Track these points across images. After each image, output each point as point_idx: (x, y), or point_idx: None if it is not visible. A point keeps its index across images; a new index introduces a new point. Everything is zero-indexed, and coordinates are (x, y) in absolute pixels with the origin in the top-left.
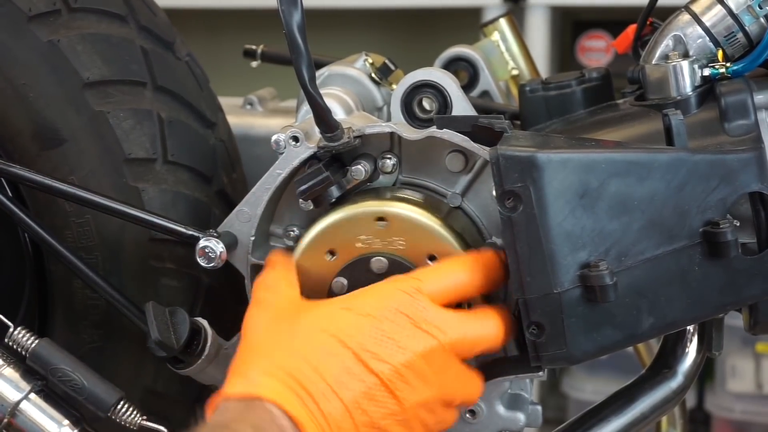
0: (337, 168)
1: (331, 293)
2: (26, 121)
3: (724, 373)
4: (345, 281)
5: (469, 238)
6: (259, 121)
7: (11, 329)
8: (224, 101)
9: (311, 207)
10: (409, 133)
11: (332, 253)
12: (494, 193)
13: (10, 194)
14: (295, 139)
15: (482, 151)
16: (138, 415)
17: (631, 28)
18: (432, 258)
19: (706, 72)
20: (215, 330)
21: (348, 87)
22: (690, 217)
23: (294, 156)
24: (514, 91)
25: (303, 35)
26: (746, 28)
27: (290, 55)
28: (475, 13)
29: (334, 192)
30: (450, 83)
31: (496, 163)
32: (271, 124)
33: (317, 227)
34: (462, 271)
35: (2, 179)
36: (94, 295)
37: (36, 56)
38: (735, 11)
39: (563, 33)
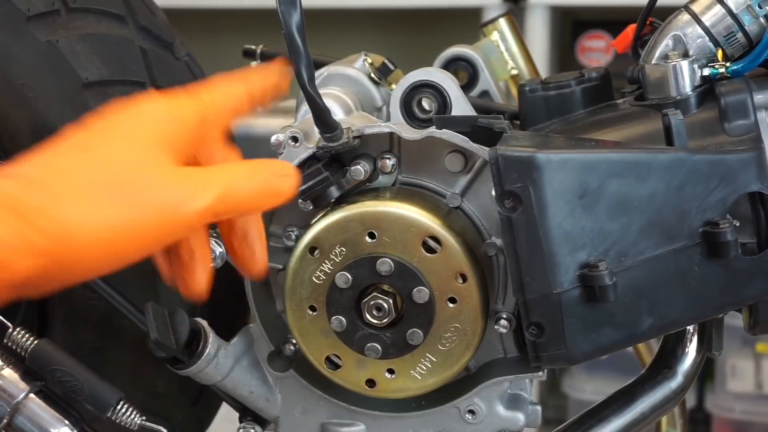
0: (336, 168)
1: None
2: (25, 122)
3: (724, 373)
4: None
5: (469, 239)
6: (259, 121)
7: (10, 329)
8: None
9: (310, 207)
10: (409, 133)
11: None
12: (493, 193)
13: None
14: (295, 139)
15: (482, 151)
16: (138, 416)
17: (631, 28)
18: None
19: (706, 72)
20: (215, 330)
21: (347, 87)
22: (690, 217)
23: (293, 156)
24: (514, 91)
25: (302, 35)
26: (746, 27)
27: (289, 56)
28: (475, 13)
29: (334, 192)
30: (449, 83)
31: (495, 163)
32: (271, 124)
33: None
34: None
35: None
36: (94, 296)
37: (35, 56)
38: (734, 11)
39: (563, 33)
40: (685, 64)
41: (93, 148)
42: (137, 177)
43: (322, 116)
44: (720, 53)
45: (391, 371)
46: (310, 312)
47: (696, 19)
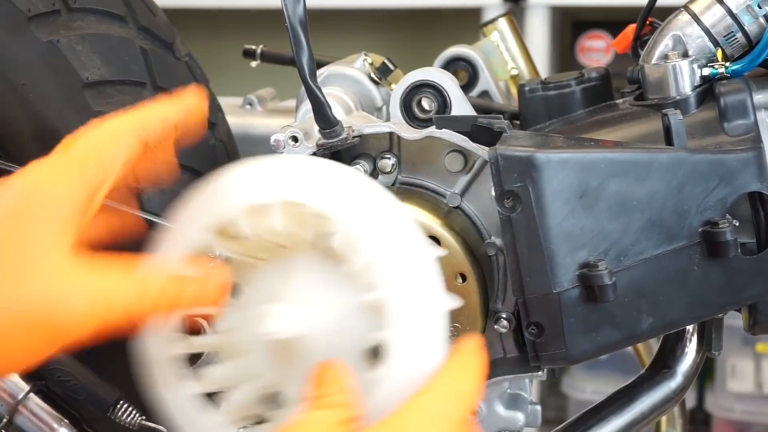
0: None
1: None
2: (25, 122)
3: (724, 373)
4: None
5: (469, 238)
6: (258, 121)
7: None
8: (224, 101)
9: None
10: (408, 133)
11: None
12: (493, 193)
13: None
14: (295, 138)
15: (481, 151)
16: (138, 415)
17: (631, 28)
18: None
19: (706, 72)
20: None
21: (347, 87)
22: (689, 217)
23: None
24: (514, 91)
25: (305, 29)
26: (745, 27)
27: (292, 48)
28: (475, 13)
29: None
30: (449, 83)
31: (495, 163)
32: (270, 124)
33: None
34: None
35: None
36: None
37: (35, 56)
38: (734, 11)
39: (563, 33)
40: (684, 64)
41: None
42: (28, 265)
43: (321, 110)
44: (720, 53)
45: None
46: None
47: (696, 19)
